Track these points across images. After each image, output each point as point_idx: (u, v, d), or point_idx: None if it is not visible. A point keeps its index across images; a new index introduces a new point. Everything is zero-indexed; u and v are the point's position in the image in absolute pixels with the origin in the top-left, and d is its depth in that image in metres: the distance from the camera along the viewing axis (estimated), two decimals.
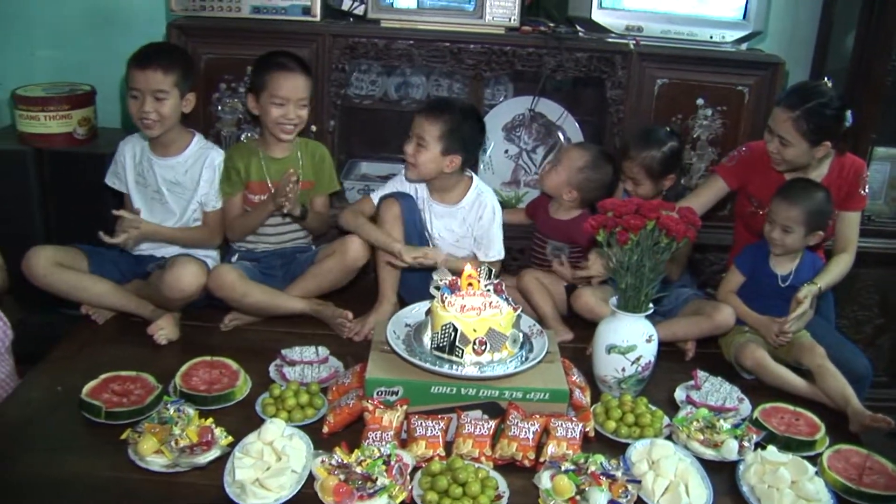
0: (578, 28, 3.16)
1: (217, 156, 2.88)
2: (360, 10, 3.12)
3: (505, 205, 3.15)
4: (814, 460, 2.14)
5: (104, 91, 3.39)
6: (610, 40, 3.09)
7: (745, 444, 2.16)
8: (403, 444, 2.11)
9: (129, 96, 2.74)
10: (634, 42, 3.05)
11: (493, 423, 2.13)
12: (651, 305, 2.39)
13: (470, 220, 2.88)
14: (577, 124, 3.31)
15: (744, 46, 3.15)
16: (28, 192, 3.17)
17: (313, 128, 3.04)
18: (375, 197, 2.91)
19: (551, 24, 3.16)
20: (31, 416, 2.27)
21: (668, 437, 2.24)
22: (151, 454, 2.03)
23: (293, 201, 2.75)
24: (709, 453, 2.16)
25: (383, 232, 2.79)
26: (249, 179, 2.88)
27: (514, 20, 3.03)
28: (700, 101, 3.10)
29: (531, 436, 2.10)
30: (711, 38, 3.09)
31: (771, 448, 2.12)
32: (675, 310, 2.84)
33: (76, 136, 3.25)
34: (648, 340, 2.38)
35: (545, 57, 3.05)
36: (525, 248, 3.11)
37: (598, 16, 3.07)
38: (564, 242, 2.98)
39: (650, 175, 2.86)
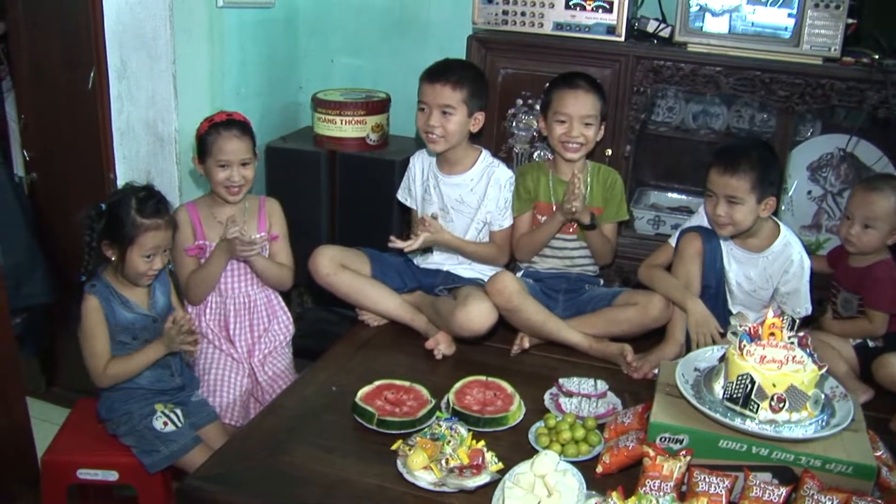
0: None
1: (503, 174, 2.85)
2: (665, 33, 2.99)
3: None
4: None
5: (397, 99, 3.46)
6: None
7: None
8: (682, 497, 1.96)
9: (418, 108, 2.79)
10: None
11: (784, 490, 1.93)
12: None
13: (771, 271, 2.64)
14: (894, 170, 2.98)
15: None
16: (318, 192, 3.30)
17: (608, 152, 2.94)
18: (674, 239, 2.76)
19: (876, 56, 2.86)
20: (307, 412, 2.35)
21: None
22: (420, 469, 2.02)
23: (581, 203, 2.65)
24: None
25: (679, 287, 2.65)
26: (538, 199, 2.84)
27: (835, 50, 2.76)
28: None
29: None
30: None
31: None
32: None
33: (368, 142, 3.33)
34: None
35: (867, 92, 2.76)
36: (823, 298, 2.82)
37: None
38: (855, 294, 2.66)
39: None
